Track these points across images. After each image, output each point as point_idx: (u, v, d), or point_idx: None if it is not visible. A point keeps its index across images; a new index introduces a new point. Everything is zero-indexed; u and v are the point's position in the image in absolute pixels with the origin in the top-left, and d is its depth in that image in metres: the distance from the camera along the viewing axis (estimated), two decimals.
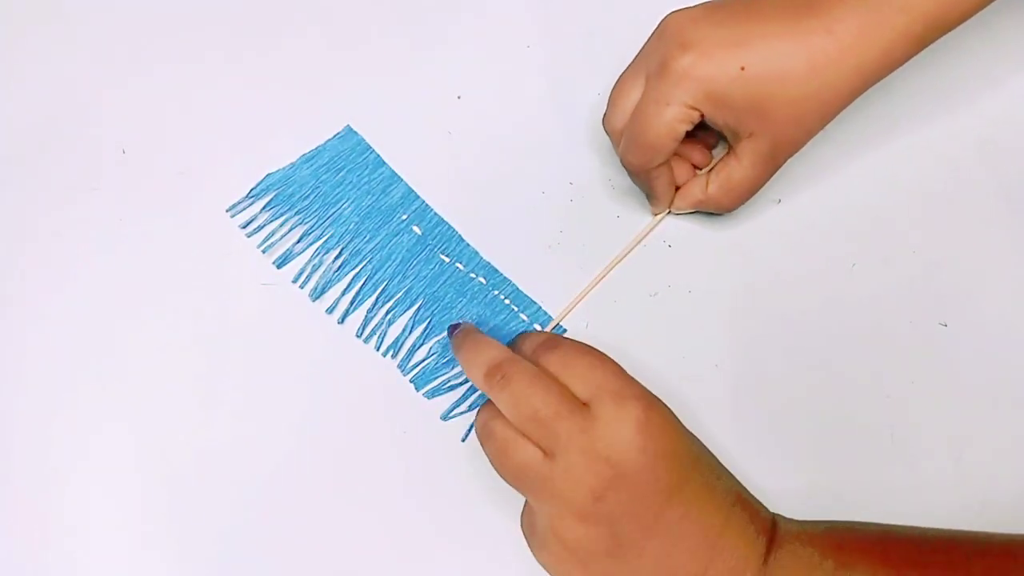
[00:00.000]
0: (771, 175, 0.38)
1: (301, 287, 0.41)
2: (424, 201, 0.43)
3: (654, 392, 0.33)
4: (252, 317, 0.41)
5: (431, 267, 0.42)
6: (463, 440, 0.39)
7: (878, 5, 0.34)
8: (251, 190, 0.43)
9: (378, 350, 0.41)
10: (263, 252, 0.42)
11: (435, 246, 0.42)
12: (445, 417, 0.40)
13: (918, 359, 0.40)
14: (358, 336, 0.41)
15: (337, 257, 0.42)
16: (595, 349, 0.34)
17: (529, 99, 0.45)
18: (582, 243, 0.42)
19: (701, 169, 0.41)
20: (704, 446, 0.34)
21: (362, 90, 0.45)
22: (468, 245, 0.42)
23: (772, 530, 0.33)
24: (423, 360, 0.40)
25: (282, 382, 0.40)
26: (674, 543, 0.31)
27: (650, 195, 0.41)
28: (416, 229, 0.42)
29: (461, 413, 0.40)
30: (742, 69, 0.34)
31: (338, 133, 0.44)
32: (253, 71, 0.45)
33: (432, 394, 0.40)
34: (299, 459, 0.39)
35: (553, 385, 0.32)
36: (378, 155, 0.43)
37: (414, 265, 0.42)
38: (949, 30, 0.36)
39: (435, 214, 0.43)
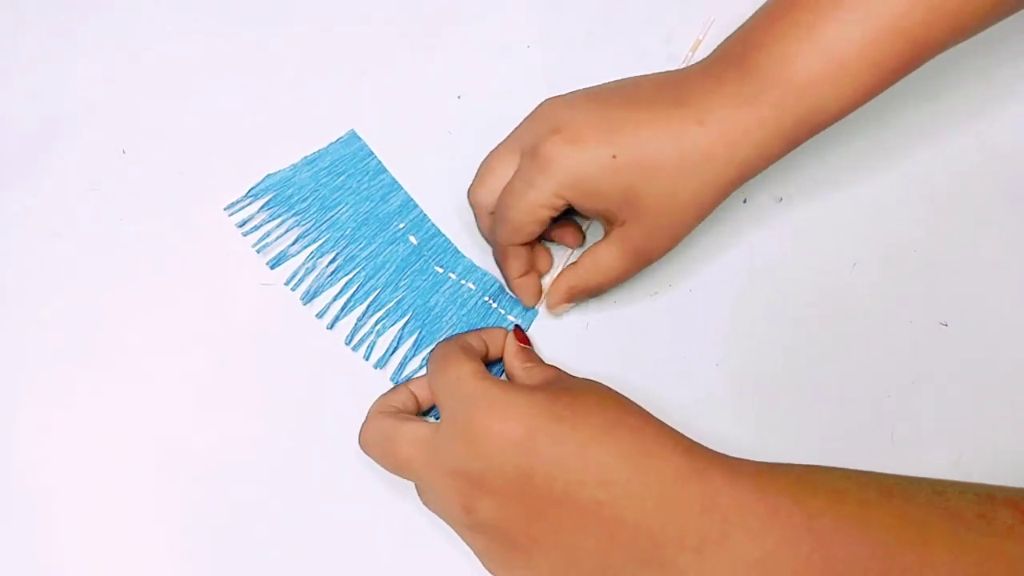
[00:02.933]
0: (642, 266, 0.38)
1: (293, 289, 0.41)
2: (422, 211, 0.43)
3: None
4: (252, 317, 0.41)
5: (424, 278, 0.41)
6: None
7: (749, 99, 0.34)
8: (250, 190, 0.43)
9: (367, 359, 0.40)
10: (257, 252, 0.42)
11: (430, 257, 0.42)
12: None
13: (918, 359, 0.40)
14: (347, 344, 0.40)
15: (331, 262, 0.41)
16: (451, 351, 0.34)
17: (529, 99, 0.44)
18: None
19: (574, 248, 0.41)
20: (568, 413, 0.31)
21: (361, 90, 0.45)
22: (464, 257, 0.42)
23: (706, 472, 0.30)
24: (417, 371, 0.40)
25: (282, 382, 0.40)
26: (561, 522, 0.30)
27: (506, 279, 0.40)
28: (412, 239, 0.42)
29: None
30: (614, 158, 0.34)
31: (341, 137, 0.44)
32: (253, 72, 0.45)
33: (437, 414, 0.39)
34: (296, 459, 0.39)
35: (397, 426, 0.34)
36: (380, 161, 0.43)
37: (407, 275, 0.42)
38: (820, 129, 0.35)
39: (432, 224, 0.42)
